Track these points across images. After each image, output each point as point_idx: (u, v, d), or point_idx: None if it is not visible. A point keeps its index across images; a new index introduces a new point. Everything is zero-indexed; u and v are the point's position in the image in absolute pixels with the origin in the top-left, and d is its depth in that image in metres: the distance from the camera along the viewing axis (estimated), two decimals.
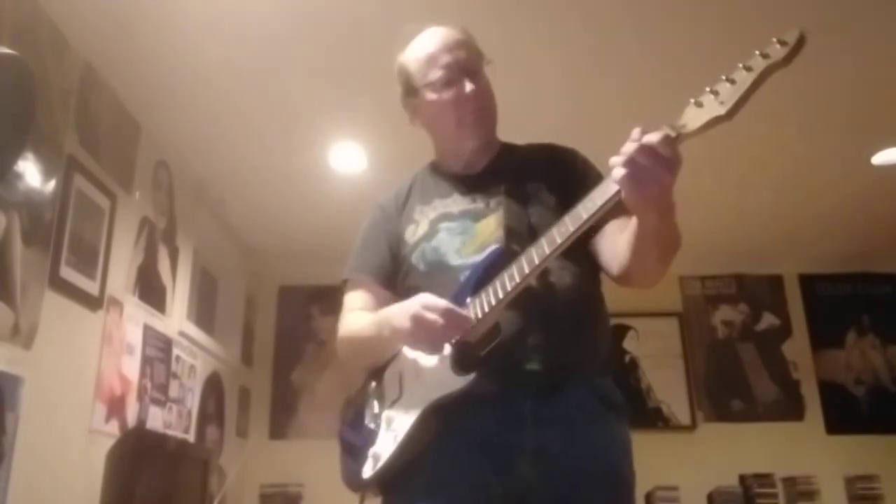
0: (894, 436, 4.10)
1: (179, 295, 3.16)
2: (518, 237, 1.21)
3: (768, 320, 4.48)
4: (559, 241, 1.05)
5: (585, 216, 1.03)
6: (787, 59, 0.89)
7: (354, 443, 1.28)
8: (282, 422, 4.19)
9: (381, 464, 1.18)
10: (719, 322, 4.50)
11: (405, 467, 1.17)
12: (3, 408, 1.87)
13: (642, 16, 2.34)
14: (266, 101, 2.75)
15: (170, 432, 2.96)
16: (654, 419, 4.27)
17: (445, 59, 1.32)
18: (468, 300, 1.15)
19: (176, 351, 3.08)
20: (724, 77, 0.92)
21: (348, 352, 1.37)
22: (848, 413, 4.26)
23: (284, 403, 4.23)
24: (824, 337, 4.42)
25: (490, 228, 1.26)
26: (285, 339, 4.38)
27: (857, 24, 2.36)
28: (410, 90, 1.37)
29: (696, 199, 3.63)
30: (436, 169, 1.44)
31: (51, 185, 2.15)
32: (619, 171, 0.96)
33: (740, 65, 0.91)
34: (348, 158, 3.16)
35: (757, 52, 0.90)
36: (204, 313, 3.81)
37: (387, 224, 1.39)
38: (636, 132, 0.97)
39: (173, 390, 3.03)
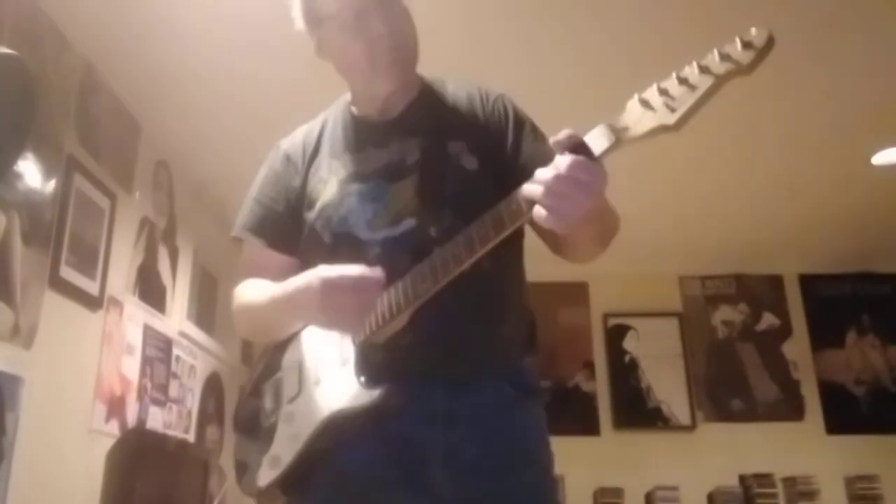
0: (894, 436, 4.09)
1: (179, 295, 3.16)
2: (432, 211, 1.09)
3: (768, 320, 4.48)
4: (478, 248, 0.96)
5: (508, 223, 0.94)
6: (752, 67, 0.74)
7: (249, 442, 1.17)
8: None
9: (280, 470, 1.08)
10: (719, 322, 4.50)
11: (307, 474, 1.07)
12: (3, 408, 1.87)
13: None
14: (266, 101, 2.75)
15: (170, 432, 2.95)
16: (654, 419, 4.27)
17: None
18: None
19: (176, 351, 3.08)
20: (675, 74, 0.79)
21: (244, 325, 1.24)
22: (848, 413, 4.26)
23: None
24: (824, 337, 4.42)
25: (405, 197, 1.12)
26: None
27: (859, 23, 2.36)
28: (313, 20, 1.20)
29: (697, 200, 3.63)
30: (349, 112, 1.26)
31: (51, 185, 2.15)
32: (538, 210, 0.89)
33: (695, 63, 0.77)
34: None
35: (716, 52, 0.76)
36: (204, 313, 3.80)
37: (290, 178, 1.23)
38: (561, 136, 0.88)
39: (173, 390, 3.03)
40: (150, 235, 2.86)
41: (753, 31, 0.75)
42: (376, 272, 1.01)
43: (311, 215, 1.18)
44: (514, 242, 1.19)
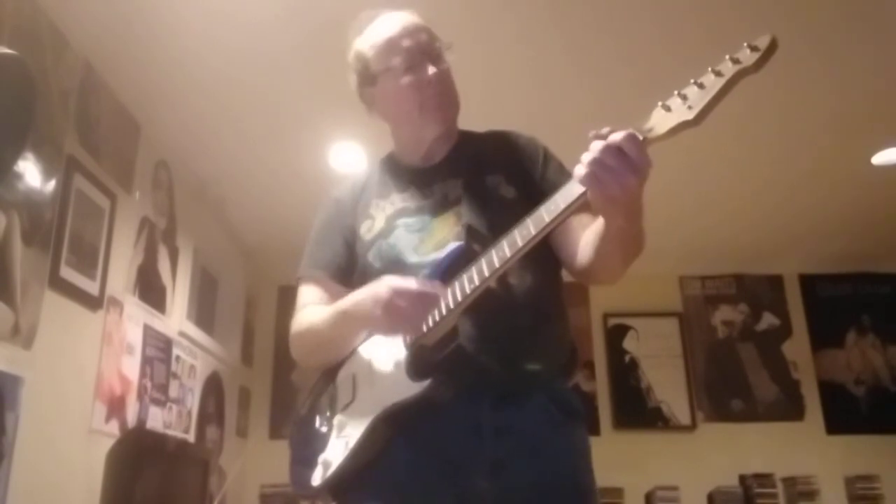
0: (894, 436, 4.10)
1: (179, 295, 3.16)
2: (477, 235, 1.17)
3: (768, 320, 4.48)
4: (520, 244, 1.01)
5: (548, 219, 0.99)
6: (758, 65, 0.85)
7: (304, 447, 1.23)
8: (282, 422, 4.19)
9: (330, 472, 1.15)
10: (719, 322, 4.50)
11: (356, 476, 1.13)
12: (3, 408, 1.87)
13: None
14: (266, 101, 2.75)
15: (170, 432, 2.96)
16: (654, 419, 4.27)
17: (406, 42, 1.26)
18: None
19: (176, 351, 3.08)
20: (693, 81, 0.90)
21: (304, 347, 1.31)
22: (848, 413, 4.26)
23: (284, 403, 4.23)
24: (824, 337, 4.43)
25: (448, 225, 1.21)
26: (285, 339, 4.34)
27: (858, 23, 2.36)
28: (368, 78, 1.31)
29: (697, 200, 3.63)
30: (394, 161, 1.38)
31: (51, 185, 2.15)
32: (582, 170, 0.93)
33: (710, 69, 0.89)
34: (348, 158, 3.15)
35: (727, 57, 0.88)
36: (204, 313, 3.81)
37: (342, 219, 1.34)
38: (604, 131, 0.94)
39: (173, 390, 3.03)
40: (150, 235, 2.86)
41: (758, 38, 0.87)
42: (437, 288, 1.07)
43: (362, 248, 1.28)
44: (554, 268, 1.25)
